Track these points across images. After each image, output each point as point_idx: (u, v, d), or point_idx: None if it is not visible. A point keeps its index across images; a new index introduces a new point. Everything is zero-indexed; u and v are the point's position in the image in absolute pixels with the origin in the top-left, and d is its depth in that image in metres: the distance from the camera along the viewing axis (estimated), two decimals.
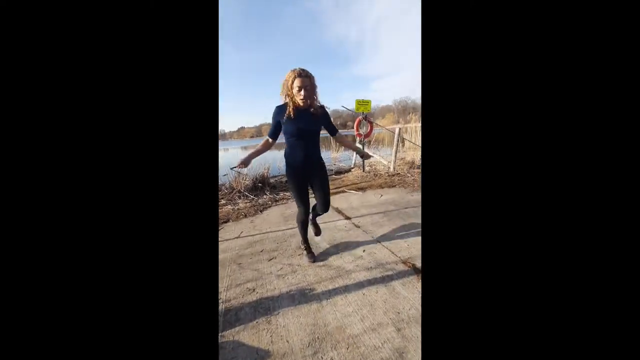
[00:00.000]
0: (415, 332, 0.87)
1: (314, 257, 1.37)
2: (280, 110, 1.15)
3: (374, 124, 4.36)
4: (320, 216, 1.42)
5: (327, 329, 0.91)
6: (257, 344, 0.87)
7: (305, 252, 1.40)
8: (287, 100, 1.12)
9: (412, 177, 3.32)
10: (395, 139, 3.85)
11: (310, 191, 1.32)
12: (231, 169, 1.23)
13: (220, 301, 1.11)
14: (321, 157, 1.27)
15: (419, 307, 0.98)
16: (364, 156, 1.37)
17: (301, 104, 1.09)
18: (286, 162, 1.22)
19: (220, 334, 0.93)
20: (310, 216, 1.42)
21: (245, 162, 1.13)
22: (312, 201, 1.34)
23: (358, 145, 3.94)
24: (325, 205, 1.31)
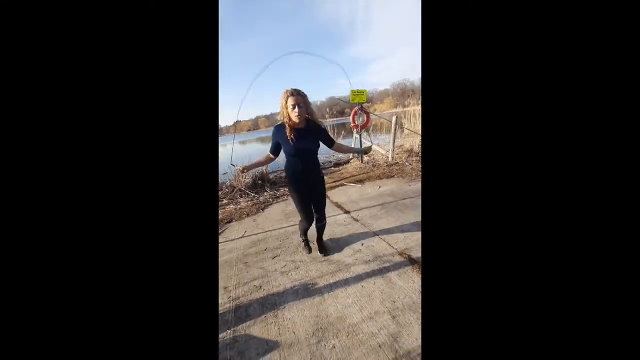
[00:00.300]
0: (409, 318, 0.96)
1: (310, 250, 1.51)
2: (278, 129, 1.20)
3: (371, 113, 4.32)
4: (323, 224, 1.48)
5: (329, 319, 1.00)
6: (267, 336, 0.96)
7: (303, 244, 1.55)
8: (284, 119, 1.17)
9: (411, 166, 3.35)
10: (393, 127, 3.83)
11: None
12: (231, 164, 1.30)
13: (230, 299, 1.21)
14: (320, 170, 1.35)
15: (413, 296, 1.07)
16: (366, 152, 1.45)
17: (296, 121, 1.15)
18: (287, 177, 1.29)
19: (232, 329, 1.02)
20: (317, 235, 1.52)
21: (246, 169, 1.22)
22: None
23: (356, 145, 3.97)
24: (321, 215, 1.41)
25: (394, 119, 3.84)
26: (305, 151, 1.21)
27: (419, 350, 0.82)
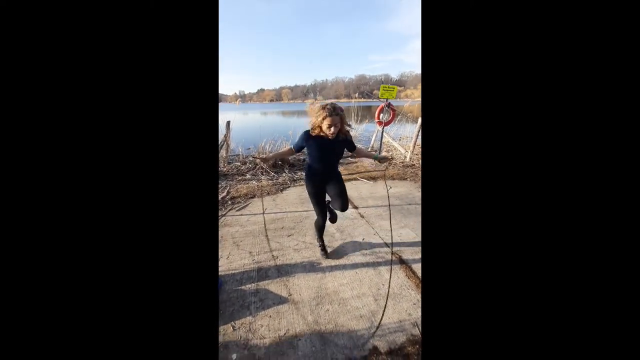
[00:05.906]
0: (387, 303, 1.26)
1: (327, 255, 1.58)
2: (308, 136, 1.30)
3: (404, 100, 4.25)
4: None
5: (327, 291, 1.33)
6: (280, 293, 1.32)
7: (319, 248, 1.63)
8: (315, 130, 1.26)
9: None
10: (417, 130, 3.81)
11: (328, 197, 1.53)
12: (252, 157, 1.54)
13: (254, 261, 1.58)
14: (339, 172, 1.45)
15: (395, 288, 1.35)
16: (381, 161, 1.49)
17: (330, 137, 1.24)
18: (306, 175, 1.44)
19: (256, 283, 1.39)
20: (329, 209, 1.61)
21: (266, 159, 1.43)
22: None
23: (374, 153, 4.00)
24: (342, 208, 1.46)
25: (419, 121, 3.79)
26: (329, 157, 1.34)
27: (389, 325, 1.13)
